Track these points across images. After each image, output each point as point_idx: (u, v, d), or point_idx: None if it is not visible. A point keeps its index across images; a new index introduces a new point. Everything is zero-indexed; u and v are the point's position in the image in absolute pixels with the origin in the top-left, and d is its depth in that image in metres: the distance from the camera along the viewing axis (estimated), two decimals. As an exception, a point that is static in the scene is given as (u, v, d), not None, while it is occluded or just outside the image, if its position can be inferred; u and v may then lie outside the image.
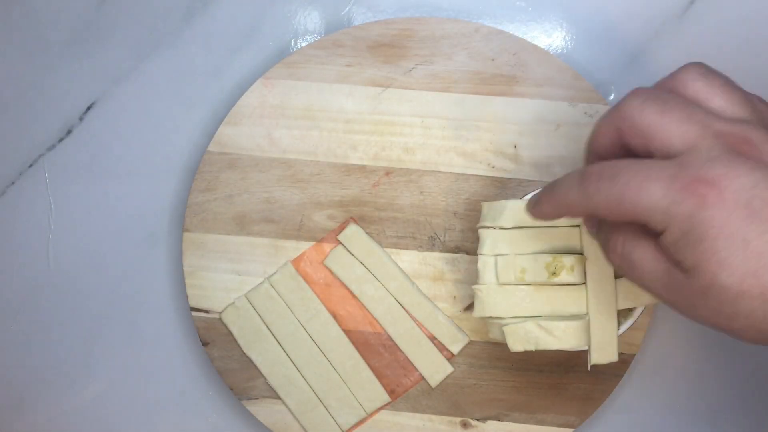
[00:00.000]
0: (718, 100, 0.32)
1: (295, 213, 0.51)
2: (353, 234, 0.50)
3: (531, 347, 0.42)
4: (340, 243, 0.51)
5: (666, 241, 0.30)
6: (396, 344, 0.50)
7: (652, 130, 0.31)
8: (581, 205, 0.33)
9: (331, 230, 0.51)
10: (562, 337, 0.42)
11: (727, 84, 0.33)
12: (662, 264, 0.31)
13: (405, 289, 0.50)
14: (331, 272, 0.51)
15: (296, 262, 0.51)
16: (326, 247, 0.51)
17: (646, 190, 0.29)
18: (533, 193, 0.45)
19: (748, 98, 0.33)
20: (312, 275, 0.51)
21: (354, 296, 0.50)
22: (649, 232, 0.31)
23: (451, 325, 0.50)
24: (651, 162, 0.31)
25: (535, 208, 0.37)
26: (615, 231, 0.34)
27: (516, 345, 0.43)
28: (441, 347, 0.50)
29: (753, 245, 0.28)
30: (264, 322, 0.50)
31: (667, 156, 0.30)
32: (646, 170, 0.30)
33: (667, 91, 0.32)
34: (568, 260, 0.42)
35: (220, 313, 0.51)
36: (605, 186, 0.31)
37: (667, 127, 0.30)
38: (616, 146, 0.33)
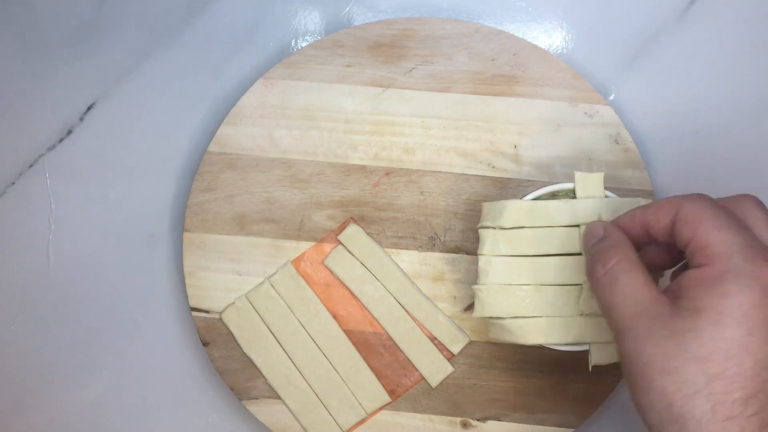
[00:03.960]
0: (759, 229, 0.35)
1: (295, 213, 0.51)
2: (353, 234, 0.50)
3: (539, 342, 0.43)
4: (340, 243, 0.51)
5: (701, 275, 0.33)
6: (396, 344, 0.50)
7: (704, 228, 0.34)
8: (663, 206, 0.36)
9: (331, 230, 0.51)
10: (562, 337, 0.42)
11: None
12: (651, 293, 0.34)
13: (405, 289, 0.50)
14: (331, 272, 0.51)
15: (296, 262, 0.51)
16: (326, 247, 0.51)
17: (725, 229, 0.33)
18: (533, 193, 0.45)
19: None
20: (312, 275, 0.51)
21: (354, 296, 0.50)
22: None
23: (451, 325, 0.50)
24: None
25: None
26: (612, 249, 0.37)
27: (528, 338, 0.43)
28: (441, 347, 0.50)
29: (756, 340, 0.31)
30: (264, 322, 0.50)
31: (704, 252, 0.34)
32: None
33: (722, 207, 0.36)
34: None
35: (220, 313, 0.51)
36: (698, 201, 0.35)
37: (717, 233, 0.34)
38: (648, 233, 0.37)
